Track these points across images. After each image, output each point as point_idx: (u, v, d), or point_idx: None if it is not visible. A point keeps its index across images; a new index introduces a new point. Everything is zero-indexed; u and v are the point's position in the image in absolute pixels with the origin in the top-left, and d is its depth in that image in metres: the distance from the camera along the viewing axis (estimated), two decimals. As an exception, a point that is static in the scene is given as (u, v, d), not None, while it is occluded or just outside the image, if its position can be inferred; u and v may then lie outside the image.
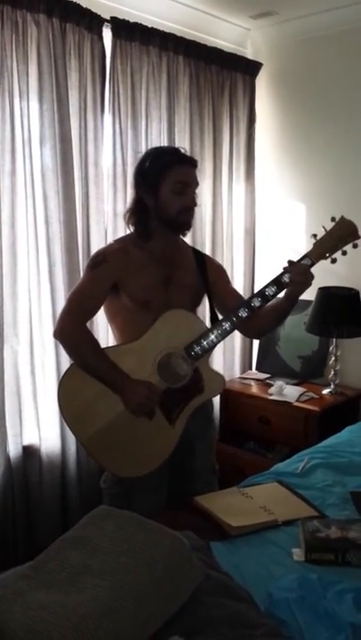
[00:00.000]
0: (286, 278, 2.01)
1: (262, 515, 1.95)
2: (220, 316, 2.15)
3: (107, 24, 2.80)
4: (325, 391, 3.39)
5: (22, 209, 2.62)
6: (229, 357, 3.72)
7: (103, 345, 2.31)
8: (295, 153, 3.68)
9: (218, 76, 3.41)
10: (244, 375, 3.75)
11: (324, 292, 3.29)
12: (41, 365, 2.73)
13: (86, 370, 2.00)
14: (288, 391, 3.36)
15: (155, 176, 2.00)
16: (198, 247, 3.38)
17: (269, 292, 2.04)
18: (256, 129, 3.71)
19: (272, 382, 3.50)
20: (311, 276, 2.01)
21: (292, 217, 3.73)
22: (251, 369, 3.86)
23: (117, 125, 2.91)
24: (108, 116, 2.89)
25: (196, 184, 2.06)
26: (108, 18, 2.80)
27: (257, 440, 3.47)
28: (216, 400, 3.60)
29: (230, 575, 1.63)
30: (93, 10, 2.71)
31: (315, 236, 2.04)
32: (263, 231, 3.83)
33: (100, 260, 2.05)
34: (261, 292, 2.05)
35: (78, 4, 2.64)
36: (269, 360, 3.73)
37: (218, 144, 3.46)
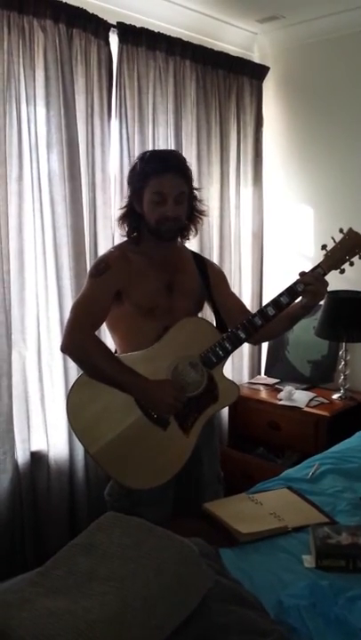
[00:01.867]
0: (300, 287, 1.99)
1: (272, 521, 1.94)
2: (226, 321, 2.14)
3: (113, 29, 2.81)
4: (335, 396, 3.36)
5: (29, 214, 2.62)
6: (238, 362, 3.71)
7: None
8: (303, 156, 3.67)
9: (225, 80, 3.41)
10: (253, 380, 3.73)
11: (334, 295, 3.27)
12: (49, 371, 2.73)
13: (101, 379, 1.94)
14: (298, 396, 3.34)
15: (138, 184, 1.99)
16: (206, 251, 3.39)
17: (283, 301, 2.02)
18: (263, 133, 3.71)
19: (281, 387, 3.48)
20: (326, 284, 2.01)
21: (300, 220, 3.72)
22: (260, 374, 3.84)
23: (124, 130, 2.91)
24: (114, 121, 2.90)
25: (179, 192, 1.98)
26: (115, 23, 2.81)
27: (266, 446, 3.45)
28: (225, 405, 3.59)
29: (240, 582, 1.61)
30: (100, 15, 2.72)
31: (325, 247, 2.05)
32: (271, 235, 3.82)
33: (103, 268, 2.00)
34: (276, 300, 2.02)
35: (85, 10, 2.65)
36: (279, 365, 3.71)
37: (225, 148, 3.46)
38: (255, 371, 3.83)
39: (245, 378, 3.75)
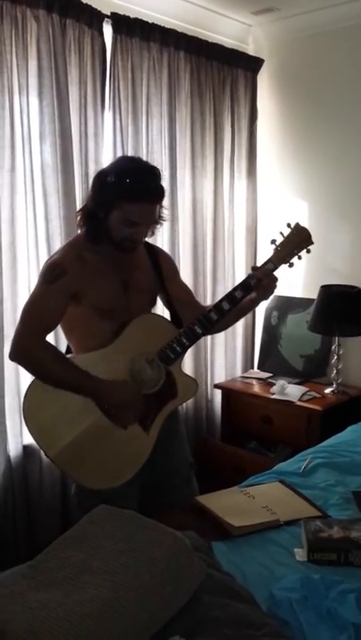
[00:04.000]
0: (252, 282, 2.06)
1: (264, 514, 1.94)
2: (180, 315, 2.13)
3: (107, 20, 2.79)
4: (328, 390, 3.36)
5: (22, 206, 2.60)
6: (231, 356, 3.70)
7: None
8: (297, 150, 3.67)
9: (219, 72, 3.39)
10: (245, 374, 3.73)
11: (327, 290, 3.27)
12: (41, 364, 2.71)
13: (54, 383, 1.88)
14: (290, 390, 3.34)
15: (109, 200, 1.88)
16: (199, 245, 3.38)
17: (237, 295, 2.06)
18: (258, 126, 3.69)
19: (274, 381, 3.48)
20: (275, 279, 2.08)
21: (294, 215, 3.70)
22: (253, 368, 3.84)
23: (118, 122, 2.89)
24: (108, 113, 2.88)
25: (151, 222, 1.95)
26: (109, 13, 2.79)
27: (259, 439, 3.45)
28: (217, 399, 3.59)
29: (232, 575, 1.61)
30: (93, 5, 2.69)
31: (274, 241, 2.12)
32: (265, 229, 3.81)
33: (58, 273, 1.90)
34: (230, 295, 2.07)
35: (78, 0, 2.63)
36: (271, 359, 3.71)
37: (219, 141, 3.44)
38: (248, 365, 3.83)
39: (238, 372, 3.75)
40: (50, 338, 2.02)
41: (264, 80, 3.70)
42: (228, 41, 3.48)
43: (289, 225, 2.12)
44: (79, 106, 2.75)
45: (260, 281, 2.04)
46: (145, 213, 1.91)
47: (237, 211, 3.65)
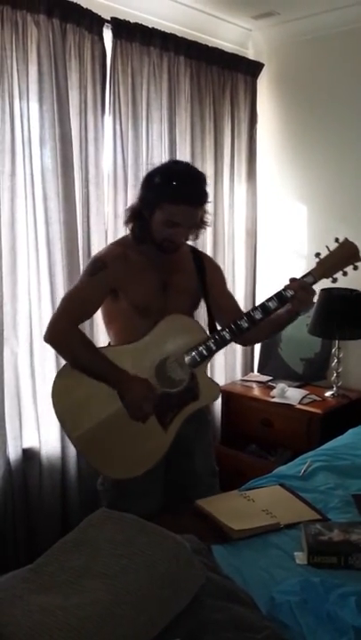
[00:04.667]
0: (288, 293, 2.02)
1: (264, 518, 1.94)
2: (217, 321, 2.15)
3: (107, 24, 2.79)
4: (328, 393, 3.37)
5: (22, 210, 2.61)
6: (231, 360, 3.70)
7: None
8: (297, 154, 3.67)
9: (219, 76, 3.40)
10: (245, 377, 3.73)
11: (327, 293, 3.27)
12: (41, 368, 2.71)
13: (81, 369, 1.97)
14: (290, 393, 3.34)
15: (153, 200, 1.95)
16: (199, 248, 3.36)
17: (271, 305, 2.04)
18: (257, 130, 3.70)
19: (274, 385, 3.48)
20: (313, 293, 2.04)
21: (294, 218, 3.72)
22: (253, 371, 3.84)
23: (118, 126, 2.90)
24: (108, 117, 2.88)
25: (192, 224, 2.00)
26: (109, 18, 2.79)
27: (259, 443, 3.45)
28: (217, 403, 3.59)
29: (232, 578, 1.61)
30: (94, 10, 2.70)
31: (318, 255, 2.06)
32: (264, 232, 3.82)
33: (99, 266, 2.01)
34: (263, 305, 2.05)
35: (79, 5, 2.63)
36: (271, 362, 3.71)
37: (219, 145, 3.45)
38: (248, 368, 3.83)
39: (238, 375, 3.75)
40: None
41: (264, 84, 3.71)
42: (228, 45, 3.49)
43: (337, 240, 2.07)
44: (79, 110, 2.75)
45: (295, 293, 2.01)
46: (186, 215, 1.95)
47: (237, 214, 3.66)
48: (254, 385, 3.58)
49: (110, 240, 2.92)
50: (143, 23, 2.93)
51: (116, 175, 2.92)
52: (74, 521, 2.62)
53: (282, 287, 2.05)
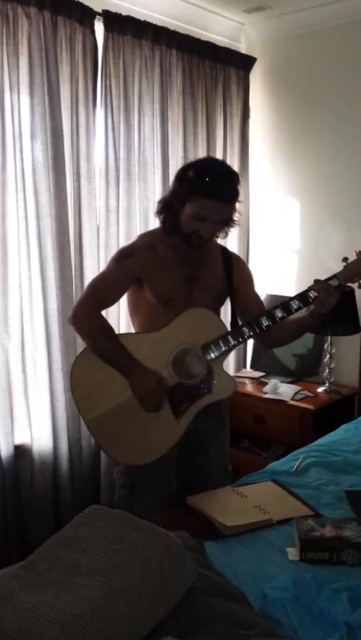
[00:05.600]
0: (312, 294, 2.02)
1: (257, 514, 1.93)
2: (240, 321, 2.15)
3: (99, 17, 2.78)
4: (320, 389, 3.37)
5: (13, 204, 2.59)
6: (224, 355, 3.69)
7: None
8: (289, 148, 3.66)
9: (211, 70, 3.38)
10: (238, 373, 3.72)
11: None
12: (32, 363, 2.70)
13: (99, 354, 2.02)
14: (283, 389, 3.34)
15: (185, 193, 1.96)
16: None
17: (293, 305, 2.04)
18: (250, 124, 3.69)
19: (267, 380, 3.47)
20: (336, 296, 2.03)
21: (287, 213, 3.71)
22: (245, 367, 3.84)
23: (110, 120, 2.88)
24: (100, 111, 2.87)
25: (220, 220, 2.01)
26: (100, 11, 2.77)
27: (251, 439, 3.45)
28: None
29: (224, 575, 1.61)
30: (85, 3, 2.68)
31: (346, 259, 2.06)
32: (257, 227, 3.81)
33: (127, 254, 2.06)
34: (285, 304, 2.05)
35: (70, -3, 2.61)
36: (264, 358, 3.70)
37: (211, 139, 3.43)
38: (241, 364, 3.83)
39: (231, 371, 3.75)
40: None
41: (256, 78, 3.70)
42: (220, 39, 3.47)
43: None
44: (70, 104, 2.73)
45: (319, 294, 2.01)
46: (215, 211, 1.96)
47: (230, 209, 3.64)
48: (247, 381, 3.58)
49: (102, 234, 2.91)
50: (135, 16, 2.91)
51: (108, 169, 2.91)
52: (66, 518, 2.61)
53: (306, 288, 2.05)
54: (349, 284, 2.08)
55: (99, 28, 2.80)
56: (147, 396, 2.00)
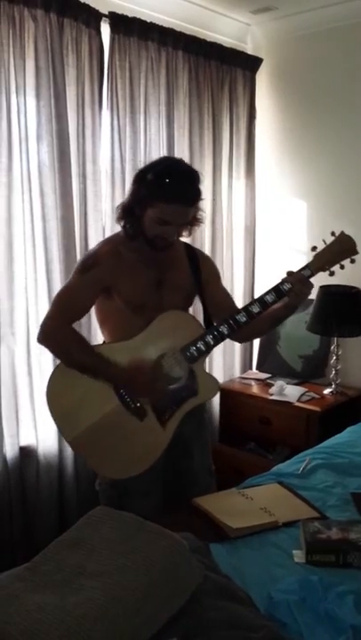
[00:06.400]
0: (286, 287, 2.03)
1: (263, 516, 1.93)
2: (213, 317, 2.13)
3: (105, 19, 2.77)
4: (326, 391, 3.36)
5: (19, 206, 2.59)
6: (229, 357, 3.69)
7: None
8: (296, 149, 3.66)
9: (218, 71, 3.38)
10: (244, 375, 3.72)
11: (325, 290, 3.26)
12: (38, 365, 2.70)
13: (77, 367, 1.95)
14: (289, 391, 3.33)
15: (146, 196, 1.92)
16: (198, 245, 3.35)
17: (269, 299, 2.04)
18: (256, 125, 3.68)
19: (273, 382, 3.47)
20: (310, 286, 2.04)
21: (293, 214, 3.70)
22: (251, 369, 3.83)
23: (116, 122, 2.88)
24: (106, 113, 2.86)
25: (184, 222, 1.97)
26: (106, 13, 2.77)
27: (257, 441, 3.44)
28: (215, 400, 3.58)
29: (230, 577, 1.61)
30: (91, 5, 2.68)
31: (315, 248, 2.08)
32: (263, 228, 3.80)
33: (90, 264, 1.98)
34: (261, 298, 2.04)
35: (76, -1, 2.62)
36: (270, 360, 3.69)
37: (217, 140, 3.43)
38: (247, 365, 3.82)
39: (237, 372, 3.74)
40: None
41: (263, 79, 3.69)
42: (226, 40, 3.47)
43: (333, 233, 2.08)
44: (77, 106, 2.73)
45: (293, 286, 2.01)
46: (178, 214, 1.93)
47: (236, 211, 3.64)
48: (253, 382, 3.57)
49: (108, 236, 2.91)
50: (141, 17, 2.91)
51: (114, 171, 2.91)
52: (71, 519, 2.61)
53: (279, 281, 2.05)
54: (321, 272, 2.08)
55: (105, 29, 2.80)
56: (151, 389, 1.96)
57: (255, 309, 2.03)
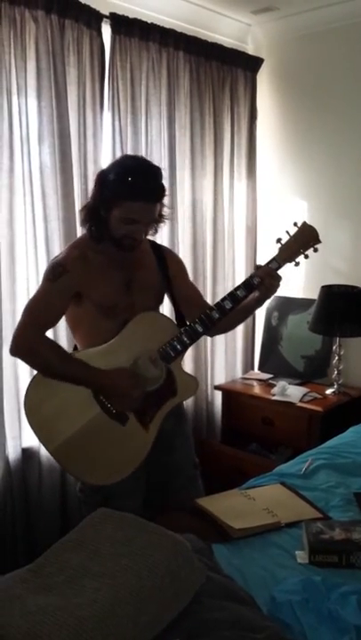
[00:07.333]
0: (255, 281, 2.04)
1: (265, 517, 1.93)
2: (184, 313, 2.13)
3: (106, 20, 2.78)
4: (329, 391, 3.35)
5: (20, 207, 2.59)
6: (231, 358, 3.69)
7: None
8: (297, 149, 3.65)
9: (219, 71, 3.38)
10: (246, 375, 3.71)
11: (327, 290, 3.26)
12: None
13: (55, 376, 1.93)
14: (291, 391, 3.32)
15: (110, 197, 1.91)
16: (199, 245, 3.37)
17: (240, 294, 2.05)
18: (257, 125, 3.68)
19: (275, 382, 3.46)
20: (279, 279, 2.07)
21: (294, 214, 3.69)
22: (253, 369, 3.83)
23: (117, 122, 2.88)
24: (107, 113, 2.87)
25: (151, 220, 1.97)
26: (107, 14, 2.78)
27: (260, 441, 3.44)
28: (218, 401, 3.58)
29: (232, 578, 1.60)
30: (92, 6, 2.68)
31: (279, 240, 2.11)
32: (265, 228, 3.80)
33: (60, 271, 1.94)
34: (232, 294, 2.06)
35: (77, 0, 2.62)
36: (272, 360, 3.69)
37: (219, 140, 3.43)
38: (248, 366, 3.82)
39: (239, 373, 3.74)
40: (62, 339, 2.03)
41: (264, 79, 3.70)
42: (227, 40, 3.47)
43: (295, 224, 2.11)
44: (78, 106, 2.74)
45: (262, 280, 2.03)
46: (144, 212, 1.92)
47: (237, 211, 3.64)
48: (255, 383, 3.57)
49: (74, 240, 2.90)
50: (142, 18, 2.91)
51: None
52: (73, 521, 2.61)
53: (248, 275, 2.08)
54: (288, 264, 2.11)
55: (106, 30, 2.80)
56: (128, 393, 1.95)
57: (228, 305, 2.04)
